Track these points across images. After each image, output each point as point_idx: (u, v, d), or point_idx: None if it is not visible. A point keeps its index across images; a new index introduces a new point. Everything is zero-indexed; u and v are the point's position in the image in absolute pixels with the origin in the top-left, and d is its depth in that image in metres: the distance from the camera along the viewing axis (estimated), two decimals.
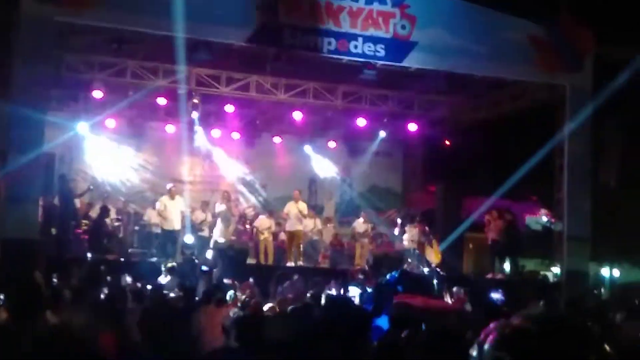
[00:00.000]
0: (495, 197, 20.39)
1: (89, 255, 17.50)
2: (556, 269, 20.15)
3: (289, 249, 19.54)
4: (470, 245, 22.36)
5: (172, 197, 19.07)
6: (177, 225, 19.00)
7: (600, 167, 22.25)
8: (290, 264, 19.08)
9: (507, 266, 20.00)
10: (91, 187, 20.15)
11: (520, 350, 1.88)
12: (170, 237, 19.06)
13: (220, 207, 19.43)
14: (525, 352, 1.88)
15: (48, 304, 7.70)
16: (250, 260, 19.09)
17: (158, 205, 19.23)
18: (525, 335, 1.92)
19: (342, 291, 14.68)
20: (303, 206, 19.79)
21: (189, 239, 19.31)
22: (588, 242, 17.81)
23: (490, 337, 1.94)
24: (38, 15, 14.26)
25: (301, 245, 19.91)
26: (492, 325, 1.99)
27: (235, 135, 22.96)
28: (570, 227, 17.81)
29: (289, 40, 15.95)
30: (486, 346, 1.93)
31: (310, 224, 20.73)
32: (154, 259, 18.12)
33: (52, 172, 19.49)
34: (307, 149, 23.63)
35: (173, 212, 18.92)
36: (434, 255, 19.83)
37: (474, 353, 1.96)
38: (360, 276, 16.91)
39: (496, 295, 13.54)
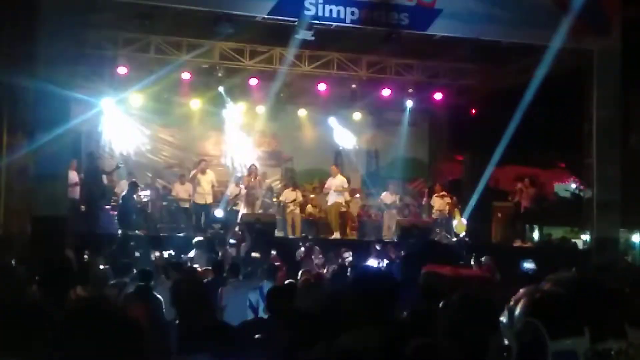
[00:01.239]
0: (524, 165, 20.23)
1: (118, 231, 17.66)
2: (586, 236, 20.04)
3: (334, 221, 19.71)
4: (499, 214, 22.23)
5: (203, 171, 19.16)
6: (208, 199, 19.12)
7: (629, 132, 21.97)
8: (336, 236, 19.32)
9: (535, 234, 19.91)
10: (120, 164, 20.27)
11: (551, 314, 1.85)
12: (201, 210, 19.19)
13: (246, 181, 19.59)
14: (556, 317, 1.84)
15: (79, 280, 7.79)
16: (278, 233, 19.14)
17: (190, 178, 19.37)
18: (556, 299, 1.88)
19: (370, 262, 14.68)
20: (340, 180, 19.89)
21: (218, 213, 19.41)
22: (618, 209, 17.65)
23: (521, 303, 1.91)
24: None
25: (338, 218, 19.99)
26: (522, 290, 1.95)
27: (260, 109, 22.91)
28: (599, 194, 17.66)
29: (311, 11, 15.84)
30: (516, 312, 1.90)
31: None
32: (183, 234, 18.23)
33: (79, 150, 19.67)
34: (332, 120, 23.54)
35: (204, 186, 19.05)
36: (459, 226, 19.82)
37: (504, 319, 1.93)
38: (388, 247, 16.90)
39: (528, 265, 13.47)
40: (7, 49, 14.77)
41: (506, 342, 1.90)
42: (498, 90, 21.54)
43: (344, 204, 20.15)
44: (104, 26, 18.12)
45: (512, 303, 1.93)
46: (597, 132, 17.74)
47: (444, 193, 20.55)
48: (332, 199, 19.84)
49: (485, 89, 22.02)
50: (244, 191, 19.81)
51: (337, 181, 19.87)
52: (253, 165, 20.61)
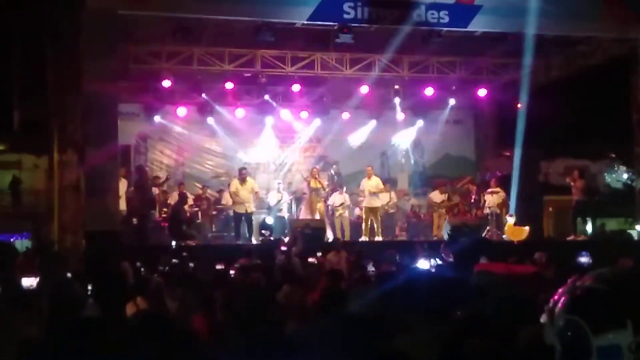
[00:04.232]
0: (573, 157, 19.94)
1: (172, 242, 17.81)
2: None
3: (366, 224, 19.51)
4: (550, 209, 21.94)
5: (242, 180, 18.92)
6: (249, 208, 18.88)
7: None
8: (364, 238, 19.07)
9: (589, 227, 19.58)
10: (169, 177, 20.47)
11: (592, 310, 1.83)
12: (242, 219, 19.00)
13: (310, 184, 19.83)
14: (597, 312, 1.83)
15: (136, 292, 7.89)
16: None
17: (230, 188, 19.41)
18: (597, 295, 1.86)
19: (420, 262, 14.59)
20: (376, 181, 19.71)
21: (268, 220, 19.43)
22: None
23: (562, 300, 1.89)
24: (102, 9, 14.55)
25: (379, 220, 19.79)
26: (561, 289, 1.94)
27: (304, 114, 22.97)
28: None
29: (350, 15, 15.86)
30: (557, 311, 1.88)
31: (386, 198, 20.63)
32: (234, 242, 18.30)
33: (128, 163, 19.95)
34: (376, 122, 23.47)
35: (244, 195, 18.77)
36: (517, 231, 18.87)
37: (544, 319, 1.92)
38: (439, 247, 16.76)
39: (584, 259, 13.23)
40: (53, 67, 15.06)
41: (549, 341, 1.88)
42: (543, 84, 21.29)
43: (380, 206, 19.92)
44: (146, 41, 18.36)
45: (551, 303, 1.91)
46: None
47: (497, 189, 20.13)
48: (367, 201, 19.51)
49: (530, 83, 21.76)
50: (286, 197, 19.96)
51: (372, 182, 19.64)
52: (315, 168, 20.69)
